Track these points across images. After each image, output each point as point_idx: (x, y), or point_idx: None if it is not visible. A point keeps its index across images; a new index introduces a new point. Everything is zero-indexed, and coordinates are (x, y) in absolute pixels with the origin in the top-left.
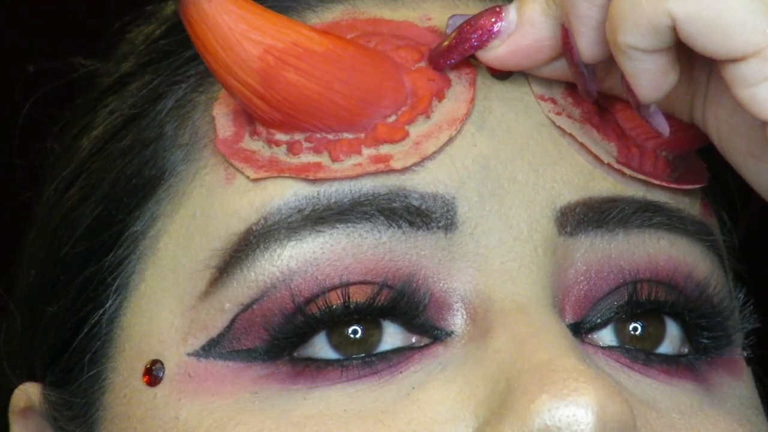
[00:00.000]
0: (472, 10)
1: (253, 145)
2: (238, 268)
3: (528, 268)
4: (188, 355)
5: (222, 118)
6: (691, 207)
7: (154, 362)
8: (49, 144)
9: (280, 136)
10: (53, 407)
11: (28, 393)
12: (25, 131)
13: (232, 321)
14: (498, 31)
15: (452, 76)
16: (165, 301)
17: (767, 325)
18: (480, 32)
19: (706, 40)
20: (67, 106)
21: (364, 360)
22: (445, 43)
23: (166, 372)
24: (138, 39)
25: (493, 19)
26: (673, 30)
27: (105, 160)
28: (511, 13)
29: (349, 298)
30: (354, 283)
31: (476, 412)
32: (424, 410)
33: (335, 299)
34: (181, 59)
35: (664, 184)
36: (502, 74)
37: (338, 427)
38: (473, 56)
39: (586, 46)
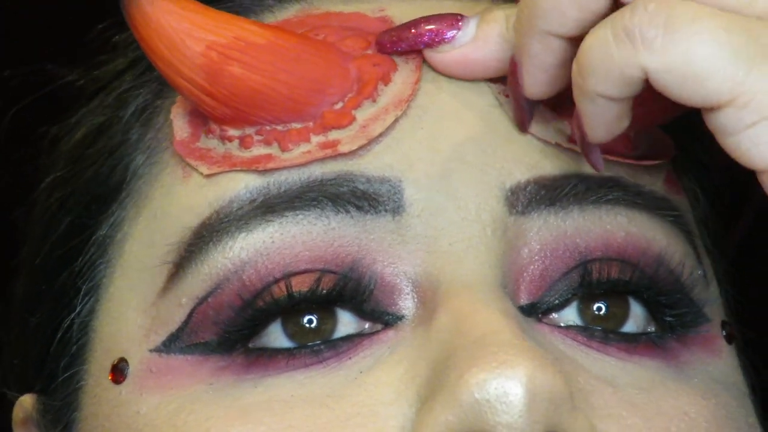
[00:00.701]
0: (432, 3)
1: (208, 143)
2: (192, 262)
3: (476, 249)
4: (150, 351)
5: (179, 120)
6: (652, 183)
7: (120, 360)
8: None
9: (232, 132)
10: (41, 414)
11: (24, 404)
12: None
13: (190, 315)
14: (452, 37)
15: (399, 60)
16: (130, 301)
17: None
18: (435, 33)
19: (681, 90)
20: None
21: (312, 349)
22: (395, 30)
23: (130, 369)
24: (111, 47)
25: (452, 25)
26: (644, 80)
27: (78, 169)
28: (470, 25)
29: (292, 288)
30: (297, 273)
31: (419, 391)
32: (370, 392)
33: (279, 292)
34: (143, 66)
35: (620, 160)
36: None
37: (283, 412)
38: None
39: (532, 84)
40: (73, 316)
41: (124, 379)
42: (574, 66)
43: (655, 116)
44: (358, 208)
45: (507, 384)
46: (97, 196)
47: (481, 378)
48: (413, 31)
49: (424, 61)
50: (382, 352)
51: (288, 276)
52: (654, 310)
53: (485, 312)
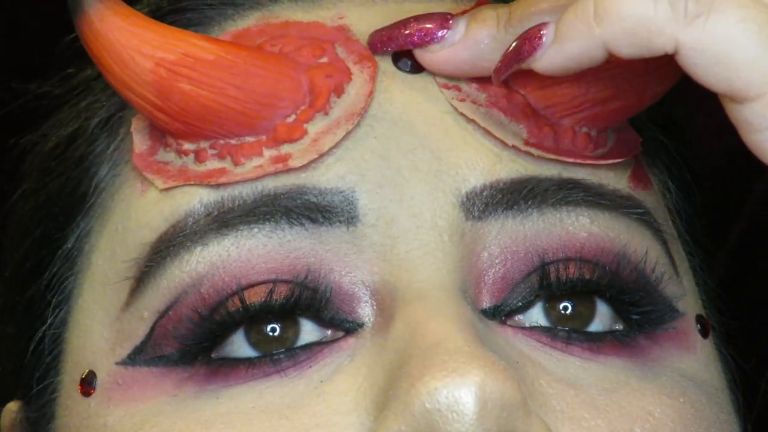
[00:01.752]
0: (391, 6)
1: (166, 156)
2: (151, 276)
3: (433, 255)
4: (116, 364)
5: (139, 133)
6: (617, 181)
7: (89, 373)
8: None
9: (187, 146)
10: (22, 423)
11: (10, 411)
12: None
13: (152, 328)
14: (442, 36)
15: (354, 69)
16: (96, 314)
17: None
18: (424, 32)
19: (708, 73)
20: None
21: (272, 358)
22: (386, 29)
23: (98, 382)
24: (78, 58)
25: (441, 25)
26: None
27: (47, 179)
28: (460, 24)
29: (246, 301)
30: (251, 285)
31: (376, 400)
32: (328, 402)
33: (233, 305)
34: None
35: (579, 161)
36: (413, 67)
37: (243, 424)
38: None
39: (548, 64)
40: (44, 328)
41: (93, 392)
42: (590, 6)
43: (619, 114)
44: (312, 220)
45: (457, 392)
46: (64, 208)
47: (432, 387)
48: (403, 30)
49: (378, 70)
50: (341, 360)
51: (242, 289)
52: (619, 309)
53: (439, 319)
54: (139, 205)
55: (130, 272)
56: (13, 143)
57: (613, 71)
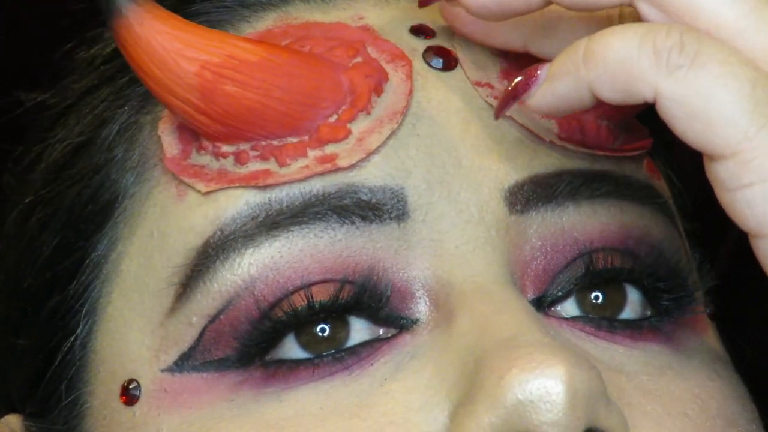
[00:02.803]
0: (405, 4)
1: (200, 159)
2: (200, 281)
3: (483, 250)
4: (162, 371)
5: (168, 137)
6: (637, 171)
7: (130, 381)
8: (4, 178)
9: (226, 148)
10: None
11: (10, 426)
12: None
13: (201, 333)
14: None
15: (388, 68)
16: (133, 322)
17: None
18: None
19: (686, 126)
20: (18, 139)
21: (334, 356)
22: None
23: (142, 390)
24: (81, 64)
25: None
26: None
27: (59, 189)
28: None
29: (312, 298)
30: (315, 283)
31: (449, 395)
32: (397, 400)
33: (299, 301)
34: (123, 82)
35: (608, 153)
36: (444, 65)
37: (315, 426)
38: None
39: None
40: (72, 339)
41: (137, 401)
42: (581, 48)
43: (634, 107)
44: (363, 218)
45: (548, 383)
46: (87, 216)
47: (523, 378)
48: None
49: (412, 69)
50: (401, 358)
51: (308, 285)
52: (651, 296)
53: (507, 312)
54: (178, 210)
55: (174, 278)
56: (11, 163)
57: None
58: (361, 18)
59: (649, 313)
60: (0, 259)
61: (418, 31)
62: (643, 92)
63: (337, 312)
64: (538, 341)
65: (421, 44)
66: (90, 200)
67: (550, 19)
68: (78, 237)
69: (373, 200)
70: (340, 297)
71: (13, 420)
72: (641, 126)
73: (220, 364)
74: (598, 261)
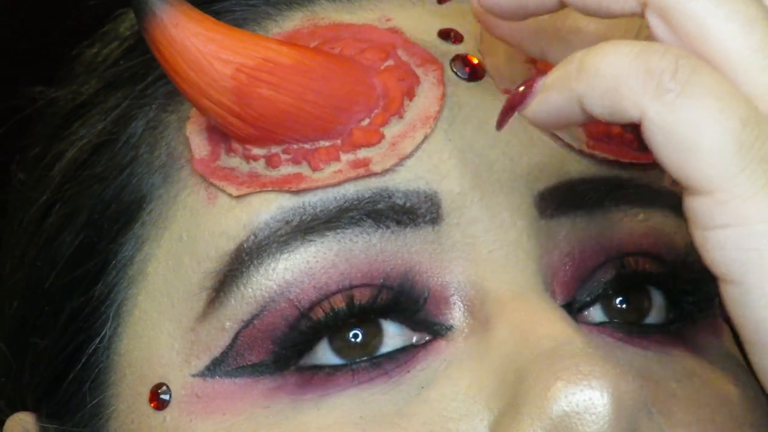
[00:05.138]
0: (432, 5)
1: (230, 162)
2: (234, 286)
3: (515, 255)
4: (193, 376)
5: (196, 138)
6: (659, 179)
7: (159, 386)
8: (15, 175)
9: (256, 151)
10: None
11: (23, 423)
12: None
13: (234, 338)
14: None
15: (419, 72)
16: (162, 325)
17: None
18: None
19: (666, 154)
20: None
21: (371, 362)
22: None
23: (172, 394)
24: (97, 60)
25: None
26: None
27: (80, 188)
28: None
29: (353, 300)
30: (355, 287)
31: (489, 405)
32: (436, 409)
33: (339, 302)
34: (146, 80)
35: (633, 160)
36: (470, 76)
37: None
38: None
39: (539, 119)
40: (97, 341)
41: (167, 405)
42: (576, 60)
43: None
44: (398, 222)
45: (594, 395)
46: (111, 217)
47: (569, 391)
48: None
49: (444, 74)
50: (437, 365)
51: (348, 288)
52: (675, 300)
53: (547, 321)
54: (209, 213)
55: (207, 282)
56: (22, 159)
57: None
58: (389, 20)
59: (672, 316)
60: (15, 258)
61: (446, 35)
62: (629, 112)
63: (375, 314)
64: (581, 351)
65: (449, 49)
66: (114, 200)
67: (568, 29)
68: (101, 238)
69: (408, 204)
70: (379, 299)
71: (27, 418)
72: None
73: (254, 370)
74: (629, 265)
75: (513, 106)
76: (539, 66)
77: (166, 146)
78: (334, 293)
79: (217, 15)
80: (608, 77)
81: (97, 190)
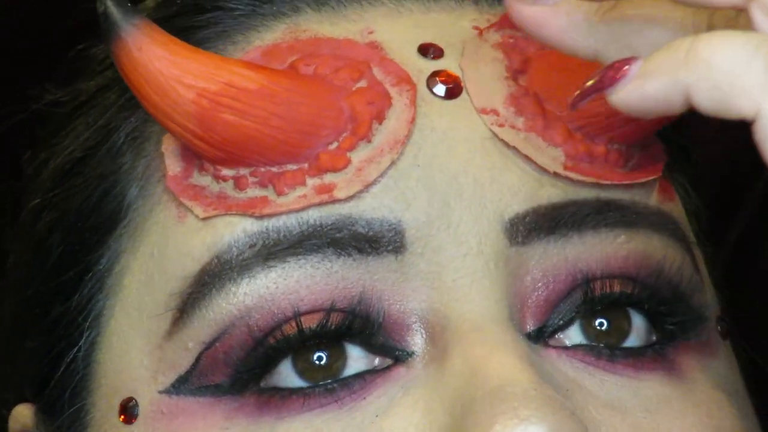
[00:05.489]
0: (417, 16)
1: (201, 180)
2: (196, 308)
3: (480, 283)
4: (159, 392)
5: (171, 155)
6: (647, 197)
7: (129, 400)
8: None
9: (226, 172)
10: (40, 427)
11: (21, 416)
12: None
13: (197, 359)
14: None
15: (393, 93)
16: (133, 341)
17: None
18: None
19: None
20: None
21: (326, 388)
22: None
23: (140, 409)
24: (90, 66)
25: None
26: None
27: (66, 194)
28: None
29: (301, 324)
30: (306, 312)
31: None
32: None
33: (290, 329)
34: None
35: (616, 182)
36: (447, 93)
37: None
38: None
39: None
40: (75, 350)
41: (135, 420)
42: (685, 47)
43: (649, 128)
44: (360, 250)
45: None
46: (91, 227)
47: None
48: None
49: (417, 95)
50: (395, 392)
51: (298, 315)
52: (655, 320)
53: (499, 357)
54: (178, 232)
55: (172, 303)
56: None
57: None
58: (371, 32)
59: (654, 338)
60: (15, 257)
61: (426, 50)
62: (743, 109)
63: (328, 338)
64: (524, 394)
65: (427, 66)
66: (94, 209)
67: (629, 29)
68: (82, 246)
69: (370, 233)
70: (329, 323)
71: (24, 411)
72: (657, 145)
73: (216, 390)
74: (595, 288)
75: (601, 87)
76: (519, 81)
77: (145, 158)
78: (290, 319)
79: (204, 27)
80: (724, 70)
81: (81, 198)
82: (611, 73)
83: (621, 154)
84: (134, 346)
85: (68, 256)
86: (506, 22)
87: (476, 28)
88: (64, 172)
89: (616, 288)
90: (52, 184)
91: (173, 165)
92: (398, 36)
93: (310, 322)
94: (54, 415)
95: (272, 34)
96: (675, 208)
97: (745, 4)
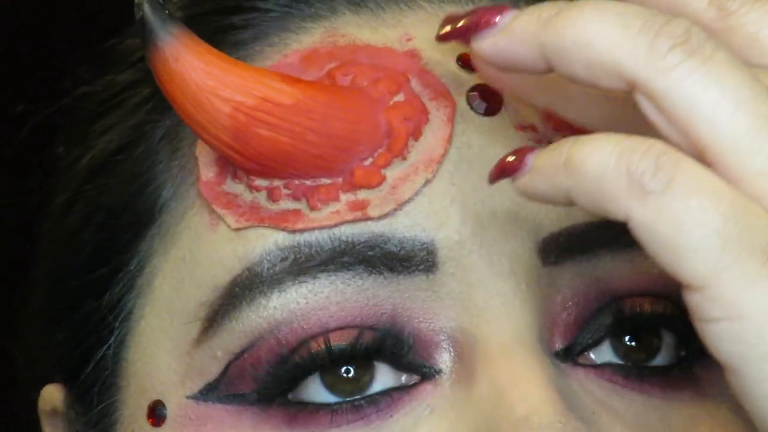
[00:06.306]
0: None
1: (235, 188)
2: (226, 318)
3: (511, 305)
4: (187, 398)
5: (205, 158)
6: None
7: (157, 403)
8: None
9: (259, 182)
10: (69, 406)
11: (53, 396)
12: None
13: (226, 368)
14: (494, 22)
15: (431, 107)
16: (163, 344)
17: None
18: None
19: (657, 253)
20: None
21: (352, 404)
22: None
23: (168, 413)
24: (122, 59)
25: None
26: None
27: (99, 189)
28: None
29: (329, 343)
30: (334, 329)
31: None
32: None
33: (316, 346)
34: None
35: None
36: (486, 110)
37: None
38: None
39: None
40: (105, 348)
41: (162, 423)
42: (564, 153)
43: None
44: (391, 269)
45: None
46: (125, 225)
47: None
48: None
49: (455, 112)
50: (421, 411)
51: (325, 332)
52: (685, 337)
53: (526, 384)
54: (210, 240)
55: (201, 312)
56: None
57: None
58: (409, 39)
59: (684, 354)
60: (44, 248)
61: (467, 61)
62: (617, 215)
63: (356, 358)
64: (550, 426)
65: (467, 79)
66: (127, 208)
67: (569, 85)
68: (114, 244)
69: (402, 252)
70: (359, 342)
71: (55, 392)
72: None
73: (243, 399)
74: (625, 307)
75: (504, 173)
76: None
77: (180, 159)
78: (319, 334)
79: (240, 29)
80: (592, 177)
81: (114, 194)
82: (513, 162)
83: None
84: (163, 349)
85: (100, 253)
86: None
87: None
88: (97, 167)
89: (647, 307)
90: (84, 178)
91: (207, 169)
92: (437, 45)
93: (340, 340)
94: (84, 405)
95: (310, 37)
96: None
97: (629, 89)
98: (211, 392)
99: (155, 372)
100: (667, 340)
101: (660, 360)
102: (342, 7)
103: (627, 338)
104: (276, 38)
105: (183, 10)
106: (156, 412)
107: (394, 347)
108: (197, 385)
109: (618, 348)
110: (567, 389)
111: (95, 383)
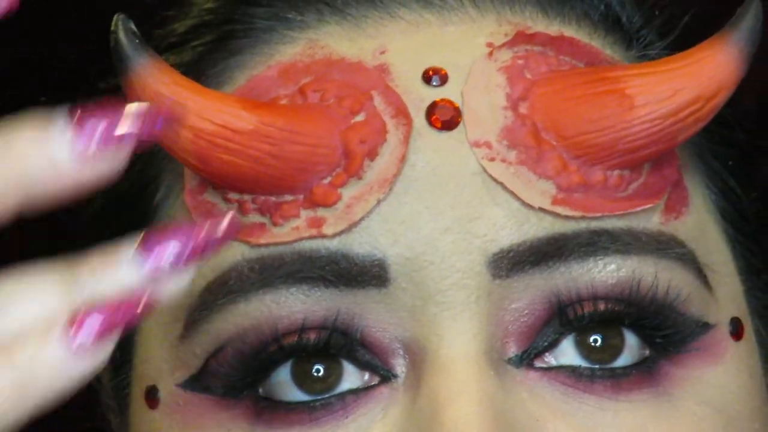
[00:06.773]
0: (434, 30)
1: (214, 197)
2: (201, 321)
3: (460, 317)
4: (176, 386)
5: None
6: (646, 219)
7: (152, 387)
8: None
9: (232, 195)
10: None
11: None
12: None
13: (205, 364)
14: None
15: (390, 125)
16: (156, 333)
17: None
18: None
19: None
20: None
21: (308, 405)
22: None
23: (161, 398)
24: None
25: None
26: None
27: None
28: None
29: (282, 342)
30: (287, 333)
31: None
32: None
33: (272, 348)
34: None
35: (607, 213)
36: (444, 126)
37: None
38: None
39: None
40: None
41: (157, 406)
42: None
43: (649, 157)
44: (346, 283)
45: None
46: (129, 219)
47: None
48: None
49: (412, 131)
50: (376, 414)
51: (280, 336)
52: (643, 335)
53: (460, 401)
54: None
55: (180, 314)
56: None
57: (643, 121)
58: (383, 52)
59: (647, 353)
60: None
61: (430, 78)
62: None
63: (308, 352)
64: None
65: (429, 94)
66: (133, 201)
67: None
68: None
69: (356, 269)
70: (304, 337)
71: None
72: (674, 156)
73: (223, 392)
74: (580, 312)
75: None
76: (520, 110)
77: (173, 162)
78: (282, 335)
79: (234, 38)
80: None
81: (126, 184)
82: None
83: (623, 178)
84: (157, 340)
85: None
86: (521, 38)
87: (490, 45)
88: None
89: (601, 307)
90: None
91: (191, 176)
92: (408, 58)
93: (289, 339)
94: (106, 376)
95: (293, 48)
96: (682, 225)
97: None
98: (194, 383)
99: (152, 359)
100: (630, 341)
101: (623, 360)
102: (328, 16)
103: (592, 339)
104: (266, 47)
105: (183, 20)
106: (152, 396)
107: (343, 341)
108: (183, 375)
109: (582, 347)
110: (509, 401)
111: (114, 359)
